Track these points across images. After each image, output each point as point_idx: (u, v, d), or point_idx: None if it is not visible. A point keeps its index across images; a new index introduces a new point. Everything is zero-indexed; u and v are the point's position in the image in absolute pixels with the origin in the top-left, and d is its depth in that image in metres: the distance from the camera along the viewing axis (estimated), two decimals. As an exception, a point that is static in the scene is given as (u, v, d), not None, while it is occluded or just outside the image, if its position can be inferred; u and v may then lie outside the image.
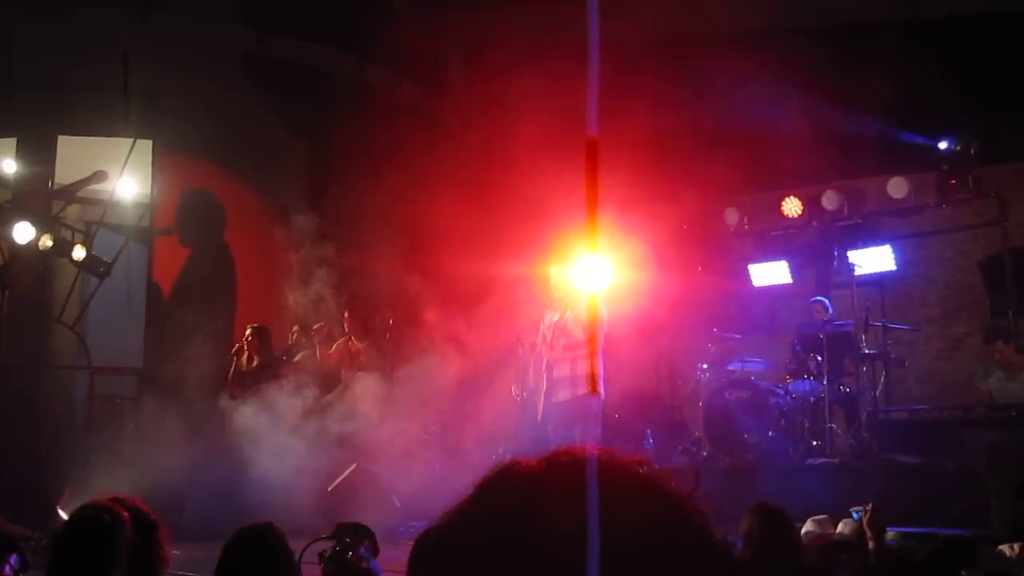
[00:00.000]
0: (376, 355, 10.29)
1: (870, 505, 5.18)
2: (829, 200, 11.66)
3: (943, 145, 11.12)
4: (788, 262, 12.21)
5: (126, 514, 3.11)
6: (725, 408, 10.32)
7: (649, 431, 11.27)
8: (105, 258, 10.61)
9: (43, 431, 10.32)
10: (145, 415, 9.90)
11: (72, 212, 11.16)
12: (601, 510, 1.15)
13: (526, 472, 1.31)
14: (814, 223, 12.00)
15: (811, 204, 11.89)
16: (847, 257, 11.19)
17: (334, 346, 10.54)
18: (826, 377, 9.92)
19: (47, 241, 10.18)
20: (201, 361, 10.01)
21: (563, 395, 8.87)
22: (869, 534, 5.09)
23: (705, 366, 11.22)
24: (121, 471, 8.52)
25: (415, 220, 10.65)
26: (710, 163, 10.77)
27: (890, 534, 6.39)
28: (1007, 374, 9.38)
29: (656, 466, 1.38)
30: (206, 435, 9.57)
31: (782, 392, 10.27)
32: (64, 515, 7.76)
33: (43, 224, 10.23)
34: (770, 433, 9.97)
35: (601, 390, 9.01)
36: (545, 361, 9.07)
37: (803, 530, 6.34)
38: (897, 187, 11.37)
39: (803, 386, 10.22)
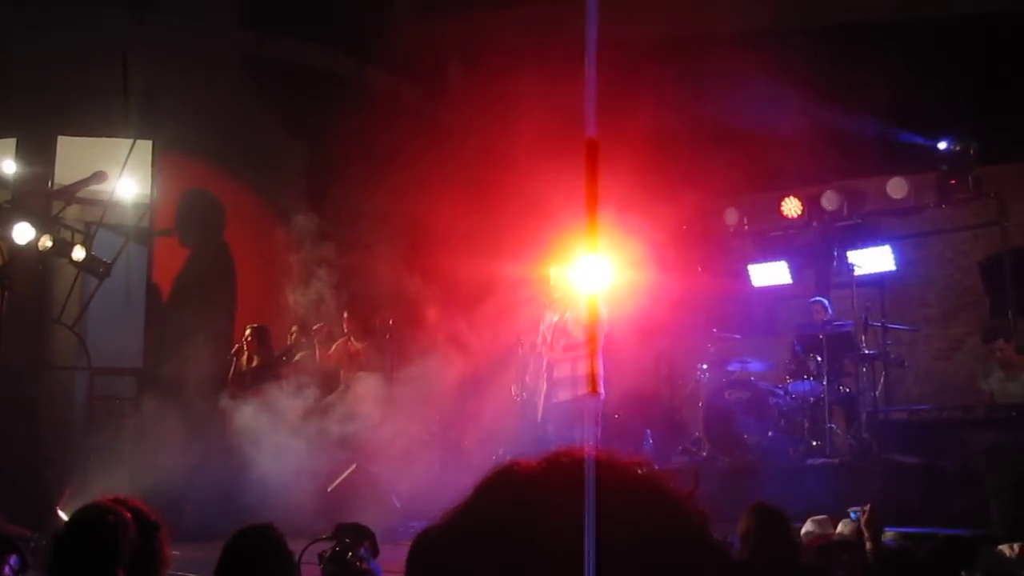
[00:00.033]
0: (376, 355, 10.30)
1: (868, 506, 5.19)
2: (829, 200, 11.66)
3: (942, 145, 11.12)
4: (788, 262, 12.21)
5: (128, 515, 3.11)
6: (725, 408, 10.32)
7: (649, 431, 11.27)
8: (105, 258, 10.61)
9: (43, 432, 10.32)
10: (145, 416, 9.90)
11: (72, 212, 11.16)
12: (601, 510, 1.15)
13: (526, 473, 1.31)
14: (814, 223, 12.00)
15: (811, 204, 11.89)
16: (847, 257, 11.20)
17: (333, 347, 10.54)
18: (826, 377, 9.92)
19: (47, 241, 10.17)
20: (201, 361, 10.00)
21: (563, 395, 8.87)
22: (866, 534, 5.10)
23: (705, 366, 11.22)
24: (121, 471, 8.53)
25: (415, 221, 10.66)
26: (710, 163, 10.77)
27: (890, 534, 6.40)
28: (1007, 374, 9.38)
29: (656, 467, 1.38)
30: (206, 435, 9.57)
31: (782, 392, 10.27)
32: (64, 516, 7.76)
33: (43, 224, 10.23)
34: (770, 433, 9.98)
35: (601, 390, 9.01)
36: (545, 362, 9.08)
37: (803, 530, 6.35)
38: (897, 187, 11.37)
39: (803, 386, 10.22)
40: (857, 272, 10.46)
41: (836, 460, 9.48)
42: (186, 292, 11.70)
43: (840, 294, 10.90)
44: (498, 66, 10.02)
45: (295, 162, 12.73)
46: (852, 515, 5.92)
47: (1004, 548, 5.18)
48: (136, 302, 11.48)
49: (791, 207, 12.04)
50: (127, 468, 8.86)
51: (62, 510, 8.06)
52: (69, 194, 10.94)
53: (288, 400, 9.56)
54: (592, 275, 7.95)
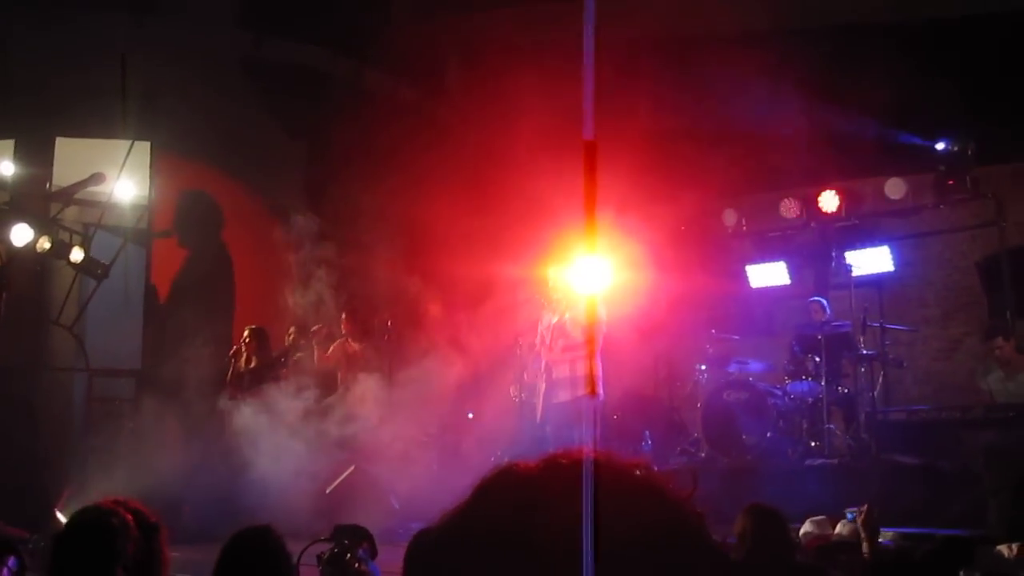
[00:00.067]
0: (374, 356, 10.29)
1: (864, 507, 5.20)
2: (827, 201, 11.65)
3: (940, 146, 11.12)
4: (786, 263, 12.21)
5: (129, 516, 3.11)
6: (723, 409, 10.32)
7: (648, 432, 11.27)
8: (103, 260, 10.60)
9: (41, 433, 10.31)
10: (143, 417, 9.89)
11: (70, 214, 11.15)
12: (599, 511, 1.15)
13: (525, 474, 1.32)
14: (812, 224, 12.00)
15: (809, 205, 11.88)
16: (845, 258, 11.20)
17: (331, 348, 10.53)
18: (824, 378, 9.93)
19: (45, 243, 10.18)
20: (199, 363, 10.00)
21: (563, 396, 8.88)
22: (863, 535, 5.10)
23: (703, 367, 11.22)
24: (119, 473, 8.52)
25: (413, 221, 10.66)
26: (708, 164, 10.77)
27: (888, 534, 6.41)
28: (1006, 372, 9.41)
29: (654, 468, 1.38)
30: (204, 437, 9.57)
31: (780, 393, 10.27)
32: (62, 517, 7.76)
33: (41, 226, 10.23)
34: (768, 434, 9.98)
35: (600, 391, 9.01)
36: (544, 362, 9.08)
37: (801, 531, 6.36)
38: (895, 188, 11.37)
39: (801, 387, 10.22)
40: (855, 273, 10.47)
41: (835, 461, 9.48)
42: (185, 293, 11.70)
43: (838, 295, 10.90)
44: (496, 66, 10.02)
45: (294, 163, 12.74)
46: (849, 516, 5.93)
47: (1002, 548, 5.18)
48: (134, 303, 11.48)
49: (789, 208, 12.04)
50: (125, 469, 8.86)
51: (60, 512, 8.06)
52: (67, 195, 10.94)
53: (286, 401, 9.55)
54: (590, 276, 7.94)
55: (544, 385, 9.09)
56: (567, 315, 8.86)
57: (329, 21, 12.27)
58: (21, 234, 9.96)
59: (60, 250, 10.33)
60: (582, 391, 8.50)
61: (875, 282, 11.55)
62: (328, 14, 12.24)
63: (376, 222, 10.52)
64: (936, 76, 9.94)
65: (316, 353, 10.45)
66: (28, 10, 10.98)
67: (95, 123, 10.99)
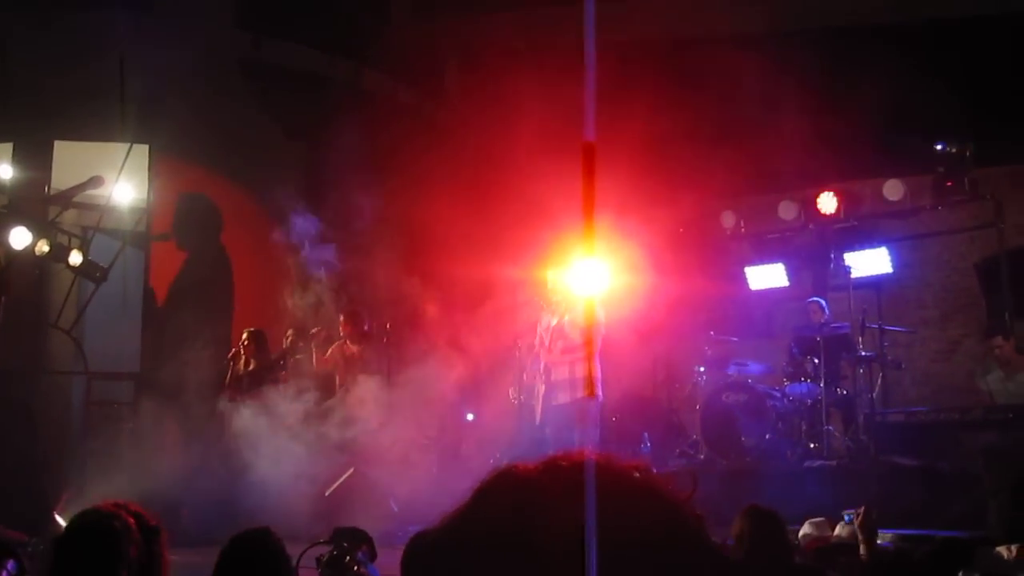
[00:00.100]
0: (373, 359, 10.28)
1: (862, 509, 5.20)
2: (825, 203, 11.66)
3: (939, 147, 11.13)
4: (785, 265, 12.22)
5: (131, 520, 3.10)
6: (722, 411, 10.32)
7: (647, 434, 11.27)
8: (102, 263, 10.60)
9: (40, 436, 10.30)
10: (142, 420, 9.88)
11: (68, 217, 11.15)
12: (599, 514, 1.16)
13: (525, 476, 1.31)
14: (810, 226, 12.01)
15: (808, 207, 11.89)
16: (843, 260, 11.21)
17: (330, 350, 10.52)
18: (823, 379, 9.93)
19: (43, 246, 10.17)
20: (198, 366, 9.99)
21: (562, 398, 8.88)
22: (860, 537, 5.11)
23: (702, 369, 11.22)
24: (118, 476, 8.51)
25: (412, 223, 10.66)
26: (707, 166, 10.78)
27: (888, 536, 6.41)
28: (1006, 372, 9.44)
29: (654, 470, 1.38)
30: (203, 440, 9.56)
31: (779, 395, 10.28)
32: (61, 521, 7.75)
33: (39, 229, 10.22)
34: (767, 436, 9.98)
35: (599, 393, 9.02)
36: (543, 364, 9.08)
37: (800, 533, 6.36)
38: (893, 189, 11.38)
39: (800, 388, 10.22)
40: (854, 274, 10.48)
41: (834, 462, 9.49)
42: (183, 296, 11.69)
43: (837, 296, 10.90)
44: (496, 69, 10.03)
45: (293, 165, 12.72)
46: (846, 518, 5.93)
47: (1002, 549, 5.17)
48: (133, 306, 11.47)
49: (788, 210, 12.05)
50: (124, 473, 8.85)
51: (59, 515, 8.05)
52: (66, 198, 10.93)
53: (285, 404, 9.54)
54: (589, 278, 7.99)
55: (543, 387, 9.09)
56: (566, 317, 8.86)
57: (328, 23, 12.27)
58: (20, 237, 9.95)
59: (59, 253, 10.32)
60: (581, 393, 8.51)
61: (874, 284, 11.57)
62: (327, 16, 12.25)
63: (375, 224, 10.52)
64: (934, 78, 9.95)
65: (315, 355, 10.44)
66: (26, 13, 10.97)
67: (94, 126, 10.99)
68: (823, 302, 10.69)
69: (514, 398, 9.98)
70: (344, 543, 4.25)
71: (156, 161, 11.29)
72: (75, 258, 10.34)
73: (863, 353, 10.09)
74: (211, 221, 12.23)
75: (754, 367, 11.04)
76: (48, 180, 11.03)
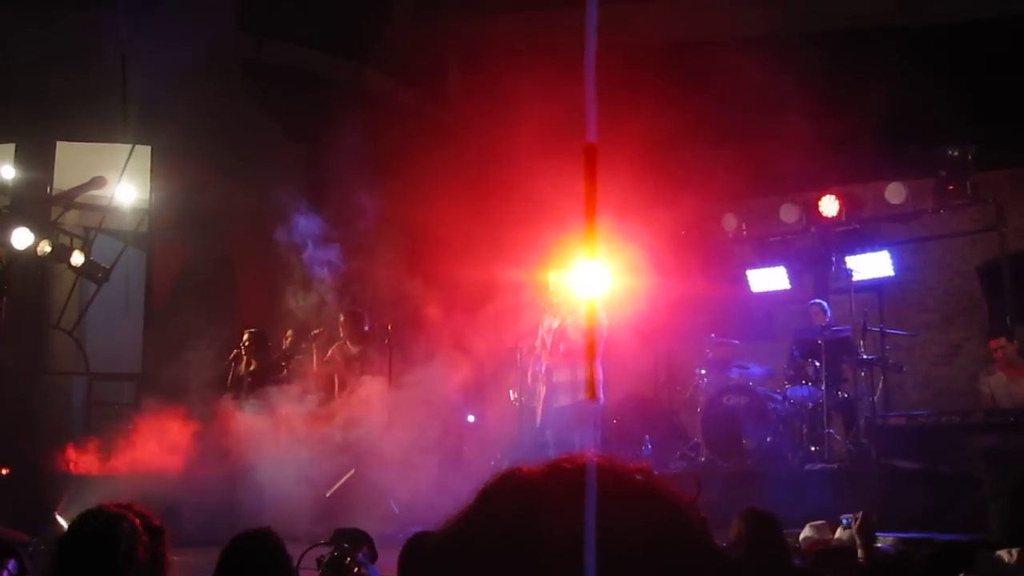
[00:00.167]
0: (374, 360, 10.28)
1: (860, 513, 5.19)
2: (827, 206, 11.66)
3: (941, 151, 11.13)
4: (786, 268, 12.21)
5: (137, 520, 3.10)
6: (724, 414, 10.32)
7: (648, 436, 11.26)
8: (103, 264, 10.61)
9: (41, 436, 10.31)
10: (143, 421, 9.88)
11: (70, 218, 11.17)
12: (602, 517, 1.15)
13: (528, 479, 1.31)
14: (812, 229, 12.01)
15: (809, 210, 11.89)
16: (845, 263, 11.20)
17: (330, 351, 10.52)
18: (824, 383, 9.92)
19: (46, 247, 10.18)
20: (199, 366, 10.00)
21: (564, 400, 8.88)
22: (859, 541, 5.10)
23: (703, 371, 11.21)
24: (119, 476, 8.52)
25: (414, 225, 10.66)
26: (708, 168, 10.79)
27: (888, 539, 6.41)
28: (1009, 375, 9.45)
29: (657, 473, 1.38)
30: (204, 440, 9.56)
31: (780, 398, 10.27)
32: (62, 521, 7.75)
33: (42, 230, 10.24)
34: (768, 439, 9.97)
35: (600, 396, 9.01)
36: (544, 366, 9.08)
37: (801, 535, 6.34)
38: (895, 193, 11.37)
39: (801, 391, 10.22)
40: (855, 277, 10.47)
41: (835, 465, 9.48)
42: (184, 297, 11.71)
43: (839, 299, 10.90)
44: (497, 70, 10.03)
45: (294, 166, 12.72)
46: (845, 522, 5.93)
47: (1002, 553, 5.16)
48: (135, 307, 11.49)
49: (790, 212, 12.05)
50: (125, 473, 8.86)
51: (60, 515, 8.06)
52: (68, 199, 10.95)
53: (286, 405, 9.55)
54: (591, 280, 7.98)
55: (544, 389, 9.09)
56: (568, 319, 8.87)
57: (330, 24, 12.27)
58: (22, 238, 9.96)
59: (61, 254, 10.33)
60: (583, 395, 8.50)
61: (875, 287, 11.56)
62: (329, 17, 12.25)
63: (377, 225, 10.52)
64: (936, 81, 9.94)
65: (315, 356, 10.45)
66: (28, 14, 10.98)
67: (95, 127, 11.01)
68: (825, 304, 10.68)
69: (515, 400, 9.99)
70: (345, 544, 4.25)
71: (158, 162, 11.30)
72: (77, 259, 10.36)
73: (864, 356, 10.08)
74: (213, 222, 12.25)
75: (755, 370, 11.03)
76: (50, 181, 11.05)
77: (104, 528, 3.02)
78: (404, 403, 9.59)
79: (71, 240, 10.65)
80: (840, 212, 11.66)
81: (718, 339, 11.47)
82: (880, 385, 10.35)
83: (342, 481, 9.18)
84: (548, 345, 8.98)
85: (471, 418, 11.08)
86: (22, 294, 10.62)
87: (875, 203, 11.83)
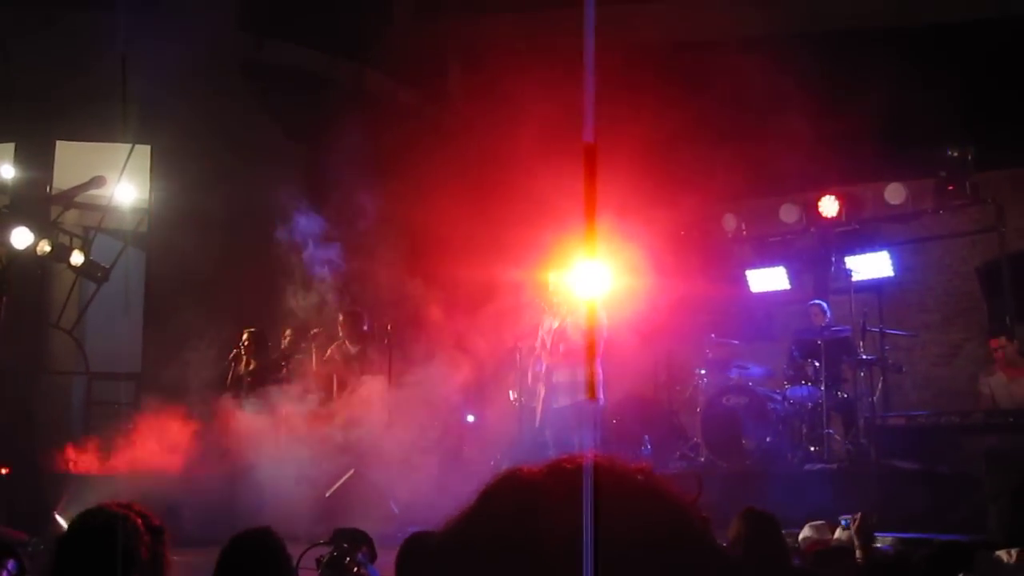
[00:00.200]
0: (374, 359, 10.28)
1: (858, 514, 5.20)
2: (827, 206, 11.66)
3: (941, 151, 11.13)
4: (786, 268, 12.21)
5: (139, 520, 3.09)
6: (723, 414, 10.32)
7: (647, 437, 11.26)
8: (103, 263, 10.61)
9: (40, 436, 10.31)
10: (143, 420, 9.89)
11: (70, 217, 11.17)
12: (604, 517, 1.15)
13: (529, 479, 1.31)
14: (812, 229, 12.00)
15: (809, 210, 11.89)
16: (845, 263, 11.19)
17: (329, 351, 10.52)
18: (824, 383, 9.92)
19: (45, 246, 10.18)
20: (199, 366, 10.00)
21: (563, 400, 8.88)
22: (857, 542, 5.10)
23: (703, 372, 11.21)
24: (119, 476, 8.52)
25: (414, 225, 10.66)
26: (708, 168, 10.79)
27: (888, 540, 6.41)
28: (1009, 375, 9.46)
29: (658, 473, 1.38)
30: (203, 440, 9.56)
31: (780, 398, 10.27)
32: (62, 521, 7.75)
33: (41, 229, 10.24)
34: (768, 439, 9.97)
35: (600, 396, 9.02)
36: (544, 366, 9.08)
37: (801, 536, 6.34)
38: (895, 193, 11.38)
39: (801, 392, 10.22)
40: (855, 278, 10.47)
41: (834, 466, 9.48)
42: (184, 297, 11.68)
43: (838, 299, 10.90)
44: (498, 70, 10.03)
45: (294, 166, 12.72)
46: (843, 523, 5.93)
47: (1002, 554, 5.16)
48: (134, 307, 11.48)
49: (789, 213, 12.05)
50: (124, 473, 8.86)
51: (60, 515, 8.06)
52: (68, 199, 10.96)
53: (286, 404, 9.55)
54: (591, 280, 7.99)
55: (544, 389, 9.09)
56: (568, 319, 8.87)
57: (330, 24, 12.27)
58: (21, 237, 9.96)
59: (60, 253, 10.33)
60: (582, 396, 8.50)
61: (875, 287, 11.56)
62: (329, 17, 12.25)
63: (377, 225, 10.52)
64: (936, 81, 9.95)
65: (314, 356, 10.45)
66: (28, 14, 10.98)
67: (95, 126, 11.00)
68: (824, 305, 10.69)
69: (515, 400, 9.99)
70: (344, 544, 4.25)
71: (158, 162, 11.29)
72: (76, 258, 10.36)
73: (864, 356, 10.08)
74: (212, 222, 12.24)
75: (755, 370, 11.03)
76: (50, 180, 11.05)
77: (105, 528, 3.01)
78: (404, 403, 9.59)
79: (71, 240, 10.65)
80: (840, 212, 11.66)
81: (718, 339, 11.47)
82: (880, 385, 10.35)
83: (342, 481, 9.18)
84: (548, 345, 8.98)
85: (471, 418, 11.07)
86: (22, 294, 10.62)
87: (875, 203, 11.83)
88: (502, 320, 9.88)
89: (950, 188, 11.14)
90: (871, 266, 11.42)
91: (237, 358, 10.53)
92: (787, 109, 9.99)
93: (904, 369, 10.76)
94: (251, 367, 10.40)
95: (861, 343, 10.14)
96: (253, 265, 11.60)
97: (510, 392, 10.25)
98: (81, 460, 9.74)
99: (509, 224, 10.03)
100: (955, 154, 10.99)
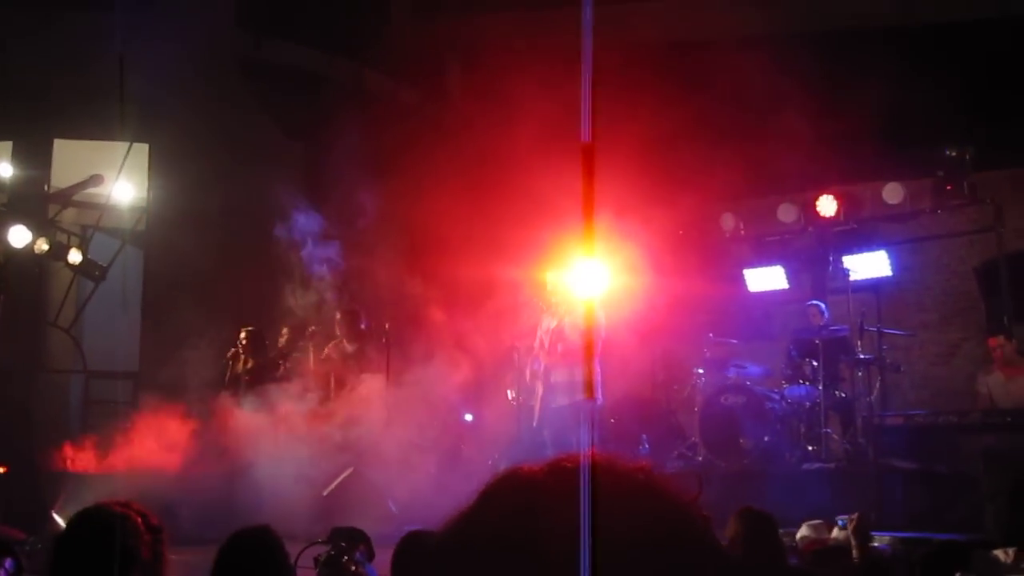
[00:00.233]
0: (372, 358, 10.28)
1: (856, 514, 5.21)
2: (825, 205, 11.66)
3: (939, 151, 11.14)
4: (784, 267, 12.21)
5: (139, 519, 3.09)
6: (721, 413, 10.31)
7: (645, 436, 11.26)
8: (101, 262, 10.61)
9: (38, 435, 10.30)
10: (140, 419, 9.88)
11: (68, 216, 11.16)
12: (604, 515, 1.15)
13: (530, 478, 1.31)
14: (810, 228, 12.00)
15: (807, 209, 11.89)
16: (843, 262, 11.19)
17: (326, 349, 10.52)
18: (822, 382, 9.93)
19: (43, 245, 10.18)
20: (197, 365, 10.00)
21: (561, 400, 8.88)
22: (854, 542, 5.11)
23: (701, 371, 11.21)
24: (117, 475, 8.51)
25: (412, 224, 10.67)
26: (707, 168, 10.78)
27: (885, 539, 6.41)
28: (1007, 375, 9.48)
29: (658, 471, 1.38)
30: (202, 438, 9.56)
31: (778, 397, 10.27)
32: (60, 519, 7.75)
33: (39, 228, 10.23)
34: (766, 438, 9.97)
35: (599, 396, 9.01)
36: (542, 366, 9.08)
37: (798, 535, 6.35)
38: (893, 193, 11.38)
39: (799, 391, 10.22)
40: (853, 277, 10.47)
41: (832, 465, 9.49)
42: (182, 295, 11.68)
43: (836, 299, 10.91)
44: (496, 69, 10.03)
45: (293, 165, 12.72)
46: (840, 523, 5.94)
47: (999, 553, 5.17)
48: (132, 305, 11.47)
49: (788, 212, 12.05)
50: (122, 472, 8.85)
51: (57, 514, 8.05)
52: (65, 197, 10.95)
53: (283, 403, 9.55)
54: (589, 280, 7.99)
55: (542, 389, 9.08)
56: (566, 319, 8.87)
57: (329, 23, 12.28)
58: (19, 236, 9.96)
59: (58, 252, 10.33)
60: (580, 396, 8.50)
61: (873, 287, 11.56)
62: (328, 16, 12.25)
63: (376, 224, 10.53)
64: (935, 81, 9.96)
65: (312, 355, 10.45)
66: (26, 12, 10.97)
67: (93, 125, 10.99)
68: (822, 306, 10.69)
69: (513, 399, 9.98)
70: (342, 543, 4.25)
71: (156, 160, 11.29)
72: (74, 256, 10.35)
73: (862, 356, 10.08)
74: (210, 221, 12.23)
75: (753, 369, 11.03)
76: (48, 178, 11.04)
77: (103, 526, 3.01)
78: (402, 402, 9.59)
79: (68, 238, 10.65)
80: (838, 212, 11.65)
81: (716, 339, 11.47)
82: (878, 385, 10.35)
83: (339, 479, 9.18)
84: (546, 345, 8.98)
85: (469, 417, 11.08)
86: (19, 292, 10.62)
87: (873, 203, 11.83)
88: (500, 319, 9.88)
89: (948, 188, 11.14)
90: (869, 266, 11.42)
91: (235, 357, 10.52)
92: (785, 109, 10.00)
93: (902, 368, 10.77)
94: (249, 366, 10.40)
95: (859, 342, 10.14)
96: (251, 264, 11.61)
97: (508, 391, 10.25)
98: (79, 459, 9.73)
99: (507, 223, 10.03)
100: (953, 154, 10.98)
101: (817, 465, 9.55)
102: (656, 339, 11.59)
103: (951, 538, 6.60)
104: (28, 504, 8.61)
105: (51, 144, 11.14)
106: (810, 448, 9.94)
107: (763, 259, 12.44)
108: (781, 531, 4.83)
